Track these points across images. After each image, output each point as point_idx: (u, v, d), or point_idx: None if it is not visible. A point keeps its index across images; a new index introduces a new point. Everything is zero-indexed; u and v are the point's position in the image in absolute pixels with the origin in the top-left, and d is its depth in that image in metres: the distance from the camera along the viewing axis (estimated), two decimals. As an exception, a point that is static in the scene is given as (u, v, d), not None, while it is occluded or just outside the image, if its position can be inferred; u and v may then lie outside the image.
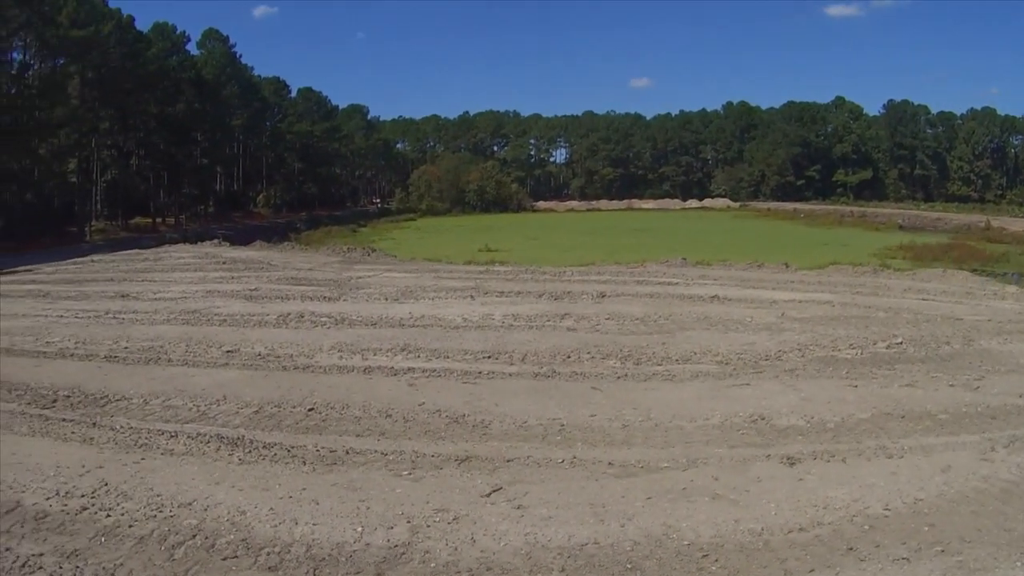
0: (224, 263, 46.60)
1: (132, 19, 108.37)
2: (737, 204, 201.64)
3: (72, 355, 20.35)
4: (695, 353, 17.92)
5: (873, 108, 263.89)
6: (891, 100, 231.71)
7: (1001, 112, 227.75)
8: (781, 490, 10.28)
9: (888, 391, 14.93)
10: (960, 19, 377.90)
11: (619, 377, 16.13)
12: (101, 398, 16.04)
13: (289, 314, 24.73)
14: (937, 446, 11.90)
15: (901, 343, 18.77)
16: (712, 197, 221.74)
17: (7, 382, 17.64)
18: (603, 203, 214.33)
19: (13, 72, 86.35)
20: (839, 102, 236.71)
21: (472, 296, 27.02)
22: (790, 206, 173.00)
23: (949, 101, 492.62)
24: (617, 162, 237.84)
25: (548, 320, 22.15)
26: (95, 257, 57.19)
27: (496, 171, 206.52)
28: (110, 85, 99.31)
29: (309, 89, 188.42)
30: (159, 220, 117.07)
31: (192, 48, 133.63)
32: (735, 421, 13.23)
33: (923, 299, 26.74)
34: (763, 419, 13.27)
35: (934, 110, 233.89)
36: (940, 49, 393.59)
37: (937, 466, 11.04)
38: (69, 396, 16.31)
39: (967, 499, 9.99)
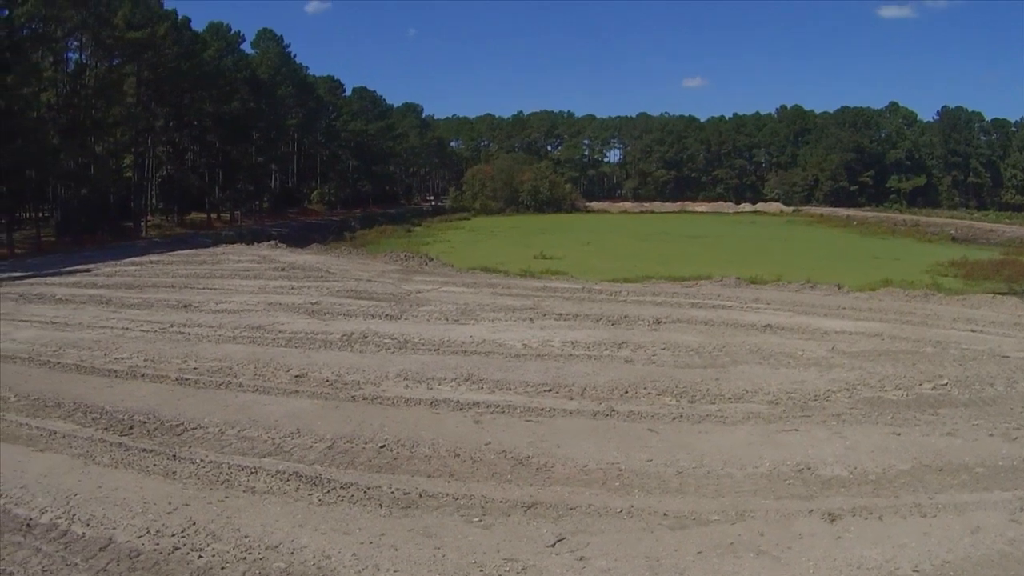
0: (283, 269, 47.57)
1: (188, 20, 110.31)
2: (790, 209, 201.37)
3: (143, 375, 21.26)
4: (747, 391, 18.51)
5: (927, 114, 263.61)
6: (945, 106, 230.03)
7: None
8: (820, 547, 10.97)
9: (929, 440, 15.45)
10: (1014, 19, 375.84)
11: (674, 418, 16.75)
12: (177, 426, 16.87)
13: (353, 333, 25.57)
14: (970, 504, 12.44)
15: (946, 384, 19.20)
16: (765, 201, 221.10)
17: (83, 404, 18.56)
18: (656, 205, 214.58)
19: (69, 72, 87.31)
20: (893, 107, 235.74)
21: (531, 319, 27.61)
22: (843, 213, 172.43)
23: (1003, 107, 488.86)
24: (671, 164, 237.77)
25: (606, 349, 22.73)
26: (153, 258, 58.45)
27: (549, 171, 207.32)
28: (166, 84, 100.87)
29: (364, 88, 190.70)
30: (214, 216, 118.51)
31: (247, 48, 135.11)
32: (782, 470, 13.84)
33: (972, 331, 26.85)
34: (808, 469, 13.88)
35: (988, 117, 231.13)
36: (994, 50, 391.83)
37: (967, 526, 11.61)
38: (145, 423, 17.16)
39: (991, 562, 10.59)
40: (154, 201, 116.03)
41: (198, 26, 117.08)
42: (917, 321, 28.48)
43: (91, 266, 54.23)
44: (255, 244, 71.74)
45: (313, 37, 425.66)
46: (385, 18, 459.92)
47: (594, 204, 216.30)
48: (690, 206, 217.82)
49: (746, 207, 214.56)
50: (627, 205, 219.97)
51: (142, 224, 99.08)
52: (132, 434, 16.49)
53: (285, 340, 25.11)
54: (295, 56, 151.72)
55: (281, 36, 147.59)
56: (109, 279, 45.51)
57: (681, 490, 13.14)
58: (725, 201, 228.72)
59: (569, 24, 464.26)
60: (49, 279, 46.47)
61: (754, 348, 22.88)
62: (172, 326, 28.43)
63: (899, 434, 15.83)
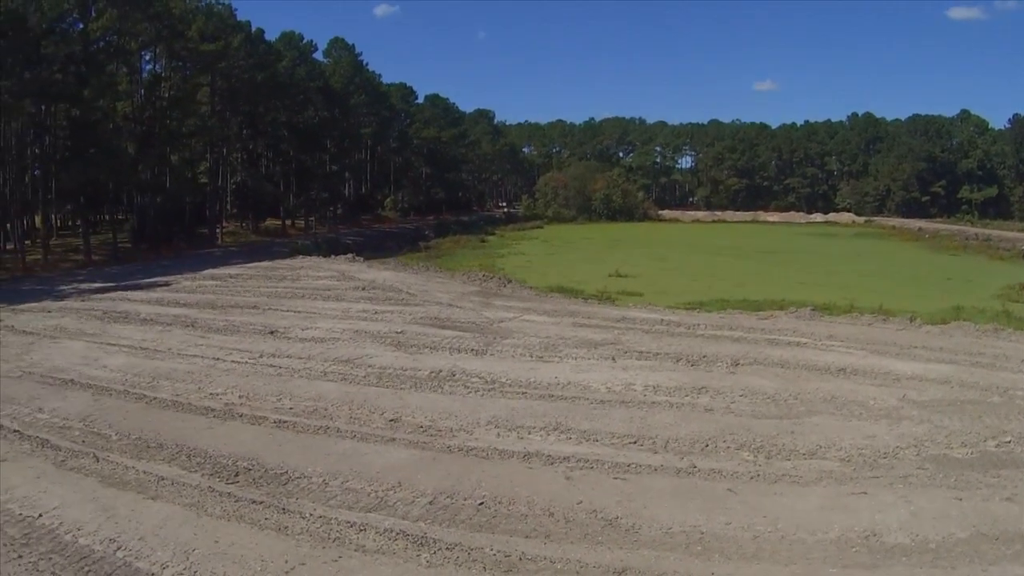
0: (363, 289, 48.98)
1: (261, 32, 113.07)
2: (862, 219, 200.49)
3: (240, 415, 22.28)
4: (820, 447, 19.40)
5: (999, 120, 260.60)
6: (1017, 114, 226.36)
7: None
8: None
9: (988, 506, 16.20)
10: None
11: (752, 477, 17.65)
12: (282, 475, 17.75)
13: (441, 371, 26.60)
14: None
15: (1009, 441, 19.93)
16: (837, 211, 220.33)
17: (186, 446, 19.55)
18: (728, 214, 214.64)
19: (145, 83, 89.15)
20: (964, 115, 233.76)
21: (613, 358, 28.48)
22: (915, 224, 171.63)
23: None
24: (742, 172, 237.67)
25: (686, 395, 23.69)
26: (231, 271, 60.20)
27: (622, 180, 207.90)
28: (240, 95, 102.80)
29: (436, 95, 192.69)
30: (288, 223, 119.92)
31: (319, 56, 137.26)
32: (850, 536, 14.69)
33: (1041, 374, 27.50)
34: (874, 535, 14.72)
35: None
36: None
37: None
38: (250, 470, 18.05)
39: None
40: (229, 208, 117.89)
41: (269, 32, 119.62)
42: (986, 363, 29.05)
43: (170, 278, 55.86)
44: (332, 257, 73.16)
45: (382, 40, 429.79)
46: (454, 21, 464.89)
47: (666, 212, 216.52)
48: (762, 215, 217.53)
49: (817, 217, 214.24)
50: (699, 214, 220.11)
51: (217, 231, 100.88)
52: (239, 482, 17.40)
53: (376, 377, 26.06)
54: (367, 64, 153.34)
55: (353, 45, 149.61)
56: (190, 295, 46.88)
57: (757, 556, 14.05)
58: (797, 210, 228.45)
59: (638, 26, 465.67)
60: (131, 293, 48.19)
61: (828, 396, 23.71)
62: (262, 356, 29.60)
63: (961, 499, 16.56)
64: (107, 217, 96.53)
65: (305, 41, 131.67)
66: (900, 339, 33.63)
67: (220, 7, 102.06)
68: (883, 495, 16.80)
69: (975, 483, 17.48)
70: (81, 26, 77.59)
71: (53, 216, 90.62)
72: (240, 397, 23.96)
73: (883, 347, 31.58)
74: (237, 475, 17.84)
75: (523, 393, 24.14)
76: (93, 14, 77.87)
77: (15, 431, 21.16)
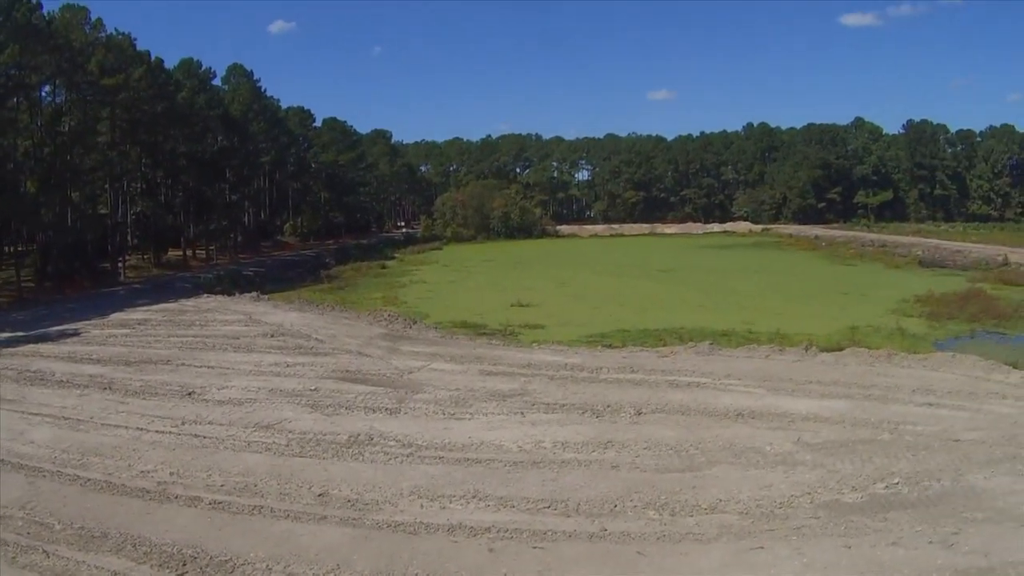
0: (271, 336, 49.61)
1: (161, 61, 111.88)
2: (759, 228, 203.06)
3: (175, 496, 22.62)
4: (720, 500, 20.57)
5: (892, 127, 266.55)
6: (911, 120, 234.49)
7: (1020, 128, 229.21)
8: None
9: (875, 552, 17.41)
10: (978, 22, 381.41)
11: (658, 537, 18.72)
12: (226, 562, 18.31)
13: (359, 435, 27.38)
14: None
15: (897, 483, 21.29)
16: (734, 220, 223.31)
17: (129, 535, 19.93)
18: (626, 227, 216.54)
19: (43, 119, 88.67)
20: (859, 123, 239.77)
21: (522, 412, 29.45)
22: (812, 232, 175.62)
23: (968, 116, 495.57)
24: (639, 185, 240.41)
25: (593, 450, 24.73)
26: (138, 315, 60.42)
27: (520, 197, 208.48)
28: (140, 126, 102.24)
29: (334, 119, 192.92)
30: (190, 253, 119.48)
31: (218, 82, 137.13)
32: None
33: (929, 404, 29.14)
34: None
35: (953, 128, 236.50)
36: (958, 55, 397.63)
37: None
38: (196, 558, 18.54)
39: None
40: (131, 240, 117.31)
41: (166, 55, 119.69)
42: (878, 395, 30.66)
43: (79, 324, 55.86)
44: (236, 296, 73.36)
45: (278, 57, 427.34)
46: (349, 37, 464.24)
47: (564, 228, 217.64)
48: (659, 227, 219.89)
49: (715, 227, 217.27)
50: (597, 228, 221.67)
51: (120, 266, 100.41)
52: (187, 572, 17.98)
53: (298, 445, 26.70)
54: (265, 90, 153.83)
55: (251, 71, 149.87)
56: (102, 348, 46.87)
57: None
58: (694, 221, 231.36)
59: (533, 38, 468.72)
60: (42, 347, 47.97)
61: (727, 444, 24.97)
62: (184, 423, 29.97)
63: (850, 546, 17.81)
64: (7, 249, 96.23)
65: (204, 68, 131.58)
66: (796, 373, 35.11)
67: (120, 38, 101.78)
68: (778, 548, 17.96)
69: (864, 529, 18.76)
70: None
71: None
72: (171, 474, 24.38)
73: (779, 383, 33.01)
74: (184, 564, 18.34)
75: (440, 458, 24.95)
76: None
77: (-44, 523, 21.41)
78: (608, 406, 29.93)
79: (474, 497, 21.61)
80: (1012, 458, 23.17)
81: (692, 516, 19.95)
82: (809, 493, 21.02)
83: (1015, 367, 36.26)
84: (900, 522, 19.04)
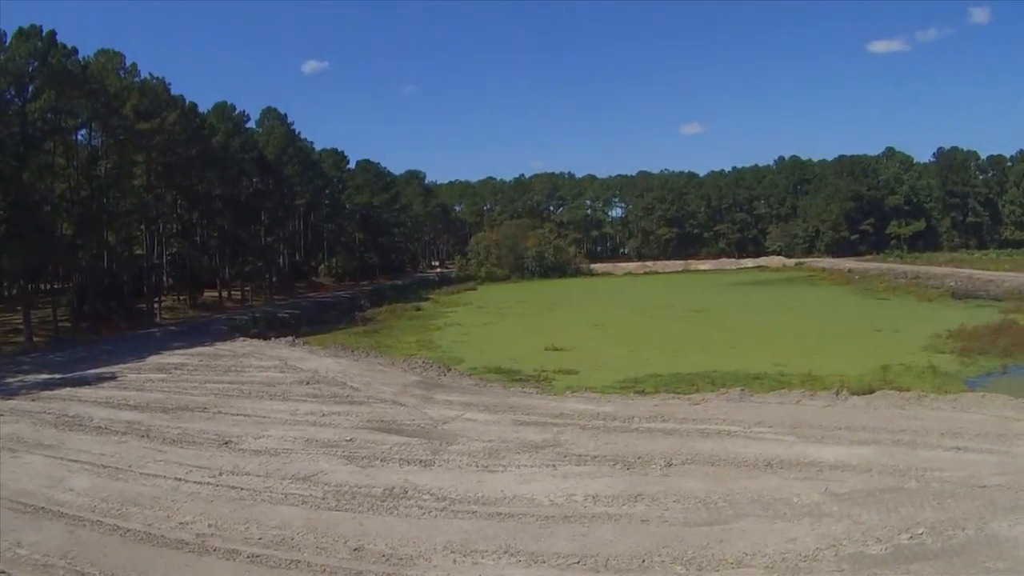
0: (307, 383, 50.01)
1: (195, 106, 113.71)
2: (792, 262, 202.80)
3: (213, 549, 23.10)
4: (746, 555, 20.85)
5: (923, 155, 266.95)
6: (941, 148, 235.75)
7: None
8: None
9: None
10: (1005, 42, 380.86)
11: (685, 594, 19.19)
12: None
13: (393, 488, 27.71)
14: None
15: (922, 533, 21.49)
16: (767, 254, 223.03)
17: None
18: (660, 264, 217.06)
19: (79, 162, 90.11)
20: (890, 153, 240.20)
21: (554, 465, 29.74)
22: (845, 264, 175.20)
23: (998, 141, 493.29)
24: (672, 221, 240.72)
25: (623, 504, 25.03)
26: (175, 359, 61.32)
27: (553, 236, 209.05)
28: (175, 169, 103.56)
29: (367, 160, 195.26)
30: (225, 294, 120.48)
31: (252, 124, 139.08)
32: None
33: (956, 449, 29.23)
34: None
35: (984, 154, 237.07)
36: (986, 77, 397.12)
37: None
38: None
39: None
40: (166, 280, 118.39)
41: (200, 98, 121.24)
42: (907, 440, 30.78)
43: (115, 368, 56.96)
44: (272, 340, 73.94)
45: (311, 97, 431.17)
46: (382, 76, 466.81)
47: (598, 266, 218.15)
48: (693, 263, 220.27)
49: (748, 262, 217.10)
50: (631, 265, 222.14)
51: (156, 307, 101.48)
52: None
53: (334, 498, 27.06)
54: (299, 132, 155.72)
55: (285, 115, 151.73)
56: (139, 394, 47.76)
57: None
58: (728, 256, 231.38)
59: (564, 76, 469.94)
60: (80, 391, 49.05)
61: (755, 495, 25.24)
62: (221, 474, 30.48)
63: (872, 602, 18.09)
64: (44, 287, 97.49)
65: (238, 112, 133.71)
66: (826, 418, 35.24)
67: (154, 82, 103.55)
68: (802, 607, 18.25)
69: (886, 582, 18.97)
70: (19, 101, 78.71)
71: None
72: (209, 526, 24.81)
73: (809, 430, 33.18)
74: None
75: (473, 512, 25.29)
76: (29, 92, 79.07)
77: (1, 571, 22.07)
78: (639, 457, 30.23)
79: (505, 552, 21.98)
80: (1038, 504, 23.12)
81: (718, 571, 20.28)
82: (834, 546, 21.24)
83: (1048, 404, 36.14)
84: (923, 574, 19.32)
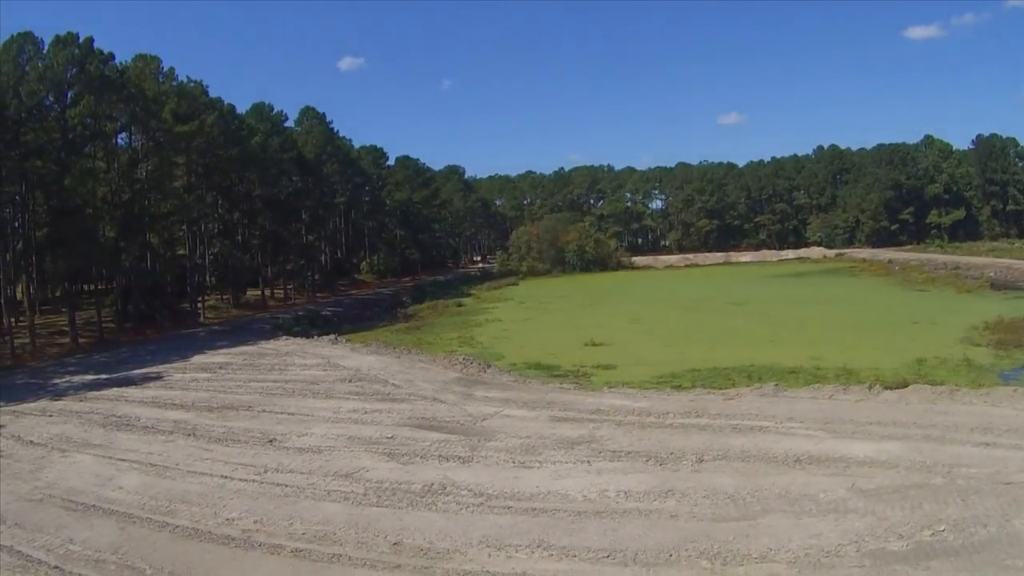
0: (349, 381, 50.94)
1: (233, 107, 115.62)
2: (833, 253, 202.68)
3: (259, 544, 24.13)
4: (771, 550, 21.47)
5: (962, 142, 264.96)
6: (980, 135, 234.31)
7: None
8: None
9: None
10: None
11: (711, 588, 19.82)
12: None
13: (432, 484, 28.56)
14: None
15: (944, 530, 21.93)
16: (807, 245, 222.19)
17: None
18: (700, 256, 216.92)
19: (120, 165, 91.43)
20: (928, 141, 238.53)
21: (588, 461, 30.39)
22: (885, 255, 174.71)
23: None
24: (712, 213, 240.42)
25: (654, 499, 25.67)
26: (219, 358, 62.46)
27: (594, 229, 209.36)
28: (215, 170, 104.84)
29: (407, 157, 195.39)
30: (268, 293, 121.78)
31: (290, 123, 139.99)
32: None
33: (985, 445, 29.52)
34: None
35: (1023, 141, 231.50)
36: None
37: None
38: None
39: None
40: (209, 280, 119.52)
41: (238, 98, 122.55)
42: (936, 435, 31.12)
43: (160, 368, 58.38)
44: (315, 339, 74.83)
45: (349, 94, 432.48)
46: (420, 70, 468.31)
47: (638, 260, 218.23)
48: (734, 256, 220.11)
49: (789, 253, 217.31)
50: (672, 258, 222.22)
51: (199, 307, 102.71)
52: None
53: (375, 495, 27.94)
54: (337, 131, 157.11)
55: (323, 114, 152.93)
56: (185, 393, 49.07)
57: None
58: (768, 248, 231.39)
59: (603, 68, 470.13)
60: (127, 391, 50.56)
61: (782, 491, 25.80)
62: (266, 471, 31.51)
63: (891, 599, 18.64)
64: (88, 288, 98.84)
65: (276, 112, 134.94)
66: (858, 414, 35.65)
67: (192, 85, 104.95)
68: (824, 601, 18.81)
69: (906, 577, 19.55)
70: (58, 108, 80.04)
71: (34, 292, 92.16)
72: (255, 522, 25.78)
73: (840, 425, 33.63)
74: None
75: (508, 508, 26.08)
76: (69, 98, 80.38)
77: (55, 567, 23.18)
78: (671, 453, 30.85)
79: (539, 547, 22.73)
80: (1062, 500, 23.50)
81: (743, 565, 20.90)
82: (857, 541, 21.76)
83: (1079, 398, 36.32)
84: (942, 571, 19.78)
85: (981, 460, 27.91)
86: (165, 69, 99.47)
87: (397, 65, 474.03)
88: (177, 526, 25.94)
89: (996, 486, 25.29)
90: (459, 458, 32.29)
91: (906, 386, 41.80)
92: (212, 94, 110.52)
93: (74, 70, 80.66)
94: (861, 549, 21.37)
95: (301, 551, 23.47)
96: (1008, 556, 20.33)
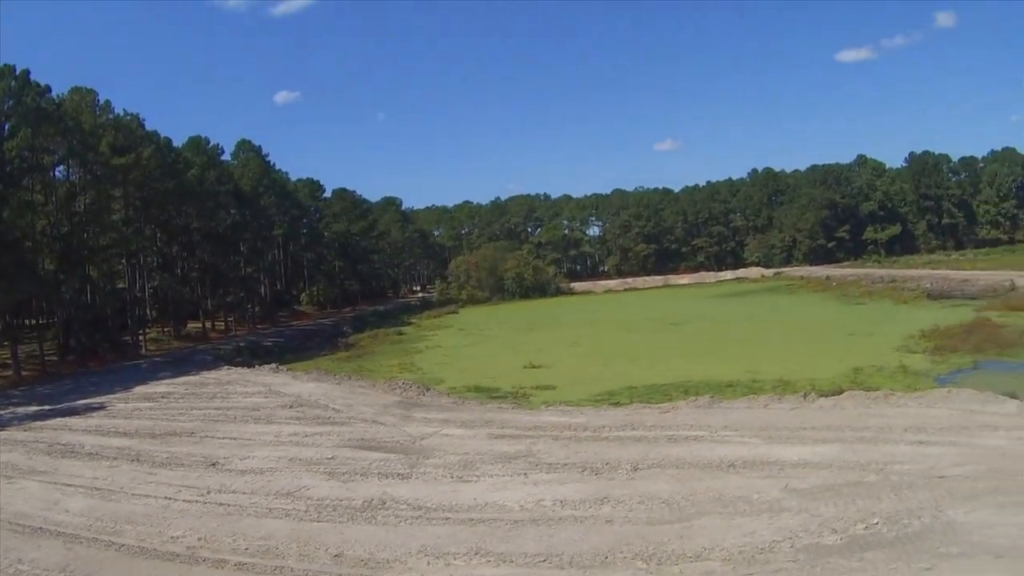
0: (290, 407, 50.71)
1: (169, 140, 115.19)
2: (771, 272, 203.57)
3: (203, 560, 24.03)
4: (705, 549, 21.57)
5: (895, 160, 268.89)
6: (912, 153, 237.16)
7: (1022, 150, 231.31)
8: None
9: None
10: (973, 46, 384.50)
11: (645, 588, 19.92)
12: None
13: (372, 499, 28.53)
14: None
15: (877, 523, 22.14)
16: (746, 266, 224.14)
17: None
18: (639, 280, 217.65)
19: (58, 198, 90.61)
20: (862, 160, 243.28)
21: (525, 473, 30.52)
22: (823, 272, 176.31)
23: (972, 142, 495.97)
24: (650, 238, 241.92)
25: (590, 507, 25.73)
26: (161, 387, 62.27)
27: (532, 257, 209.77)
28: (153, 203, 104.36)
29: (343, 190, 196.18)
30: (209, 325, 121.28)
31: (227, 157, 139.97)
32: None
33: (919, 442, 29.97)
34: None
35: (955, 156, 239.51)
36: (956, 81, 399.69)
37: None
38: None
39: None
40: (150, 313, 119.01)
41: (174, 132, 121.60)
42: (870, 437, 31.52)
43: (104, 398, 58.15)
44: (256, 368, 74.54)
45: (285, 127, 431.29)
46: (354, 104, 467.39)
47: (578, 285, 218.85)
48: (673, 279, 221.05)
49: (727, 274, 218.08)
50: (611, 283, 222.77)
51: (140, 339, 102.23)
52: None
53: (316, 511, 27.94)
54: (274, 164, 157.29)
55: (259, 146, 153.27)
56: (128, 422, 48.88)
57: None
58: (707, 270, 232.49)
59: (538, 98, 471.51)
60: (71, 420, 50.55)
61: (717, 495, 25.93)
62: (209, 492, 31.48)
63: (825, 590, 18.81)
64: (30, 322, 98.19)
65: (212, 145, 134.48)
66: (792, 420, 36.03)
67: (128, 118, 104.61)
68: (757, 595, 18.95)
69: (840, 569, 19.73)
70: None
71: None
72: (199, 540, 25.75)
73: (775, 432, 33.95)
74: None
75: (447, 519, 26.12)
76: (6, 130, 79.87)
77: (4, 587, 23.06)
78: (607, 463, 30.96)
79: (476, 554, 22.78)
80: (994, 491, 23.94)
81: (678, 564, 20.98)
82: (791, 538, 21.93)
83: (1012, 396, 37.09)
84: (876, 561, 19.92)
85: (915, 457, 28.27)
86: (102, 102, 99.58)
87: (332, 98, 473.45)
88: (123, 545, 25.90)
89: (930, 480, 25.59)
90: (398, 475, 32.32)
91: (841, 393, 42.11)
92: (148, 127, 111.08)
93: (11, 102, 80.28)
94: (795, 545, 21.52)
95: (244, 564, 23.48)
96: (942, 544, 20.53)
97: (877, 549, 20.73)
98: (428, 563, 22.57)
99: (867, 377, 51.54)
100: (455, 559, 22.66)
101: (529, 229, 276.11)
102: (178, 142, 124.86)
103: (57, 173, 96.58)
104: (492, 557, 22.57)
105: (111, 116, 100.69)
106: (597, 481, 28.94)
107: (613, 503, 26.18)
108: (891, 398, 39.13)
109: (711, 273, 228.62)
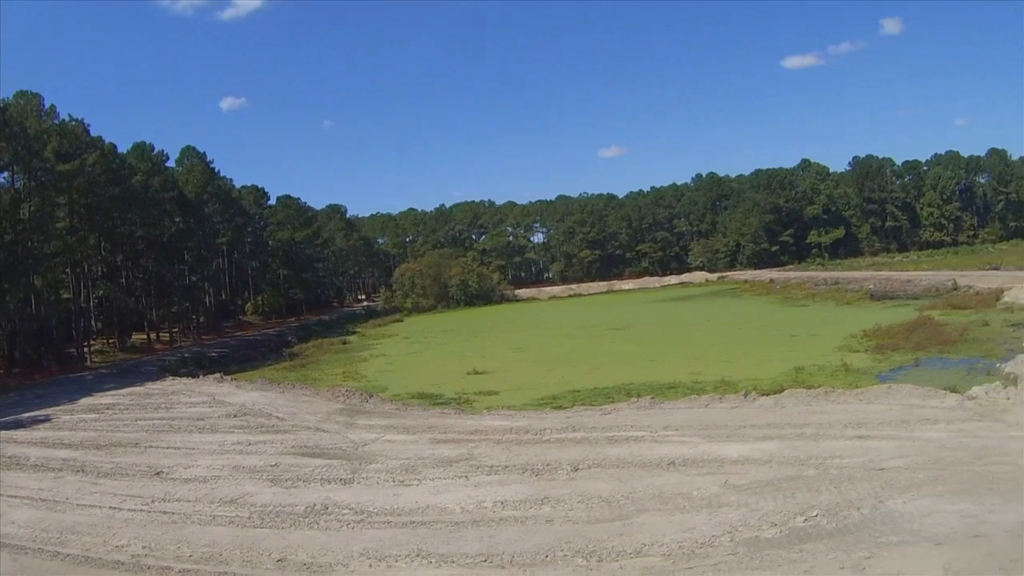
0: (234, 416, 50.18)
1: (114, 146, 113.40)
2: (715, 276, 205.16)
3: (148, 567, 23.82)
4: (645, 545, 21.66)
5: (839, 164, 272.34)
6: (856, 157, 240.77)
7: (965, 153, 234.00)
8: None
9: None
10: (918, 53, 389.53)
11: (585, 585, 19.99)
12: None
13: (315, 505, 28.46)
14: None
15: (816, 515, 22.29)
16: (690, 271, 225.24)
17: None
18: (584, 286, 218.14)
19: (0, 206, 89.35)
20: (805, 164, 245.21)
21: (466, 476, 30.55)
22: (767, 275, 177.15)
23: (917, 147, 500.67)
24: (594, 244, 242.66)
25: (530, 507, 25.84)
26: (106, 399, 61.57)
27: (476, 264, 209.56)
28: (97, 210, 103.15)
29: (288, 197, 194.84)
30: (154, 336, 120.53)
31: (172, 163, 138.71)
32: None
33: (859, 438, 30.28)
34: None
35: (899, 160, 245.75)
36: (901, 87, 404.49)
37: None
38: None
39: None
40: (95, 324, 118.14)
41: (119, 137, 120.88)
42: (810, 433, 31.82)
43: (49, 411, 57.32)
44: (200, 378, 74.12)
45: (230, 133, 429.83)
46: (300, 111, 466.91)
47: (522, 292, 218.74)
48: (617, 284, 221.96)
49: (671, 279, 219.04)
50: (555, 289, 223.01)
51: (85, 351, 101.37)
52: None
53: (259, 517, 27.87)
54: (219, 171, 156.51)
55: (204, 153, 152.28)
56: (73, 434, 48.15)
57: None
58: (651, 275, 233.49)
59: (483, 105, 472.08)
60: (15, 433, 49.75)
61: (656, 492, 26.05)
62: (154, 501, 31.22)
63: (764, 579, 18.97)
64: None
65: (157, 151, 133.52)
66: (733, 419, 36.26)
67: (73, 124, 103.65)
68: (697, 588, 19.04)
69: (779, 560, 19.80)
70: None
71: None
72: (144, 548, 25.56)
73: (715, 431, 34.13)
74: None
75: (388, 522, 26.09)
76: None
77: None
78: (548, 464, 31.05)
79: (418, 555, 22.76)
80: (933, 481, 24.25)
81: (617, 560, 21.04)
82: (730, 532, 22.04)
83: (952, 391, 37.67)
84: (815, 552, 20.01)
85: (854, 451, 28.55)
86: (47, 107, 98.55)
87: (278, 105, 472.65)
88: (68, 554, 25.74)
89: (869, 472, 25.85)
90: (341, 480, 32.24)
91: (782, 391, 42.51)
92: (93, 133, 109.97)
93: (-47, 108, 79.45)
94: (735, 539, 21.62)
95: (189, 571, 23.36)
96: (882, 534, 20.65)
97: (817, 540, 20.83)
98: (370, 565, 22.53)
99: (809, 376, 51.90)
100: (397, 561, 22.62)
101: (474, 236, 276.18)
102: (123, 148, 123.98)
103: (1, 180, 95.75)
104: (434, 558, 22.56)
105: (56, 121, 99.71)
106: (537, 482, 29.02)
107: (553, 503, 26.24)
108: (832, 395, 39.45)
109: (655, 278, 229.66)
